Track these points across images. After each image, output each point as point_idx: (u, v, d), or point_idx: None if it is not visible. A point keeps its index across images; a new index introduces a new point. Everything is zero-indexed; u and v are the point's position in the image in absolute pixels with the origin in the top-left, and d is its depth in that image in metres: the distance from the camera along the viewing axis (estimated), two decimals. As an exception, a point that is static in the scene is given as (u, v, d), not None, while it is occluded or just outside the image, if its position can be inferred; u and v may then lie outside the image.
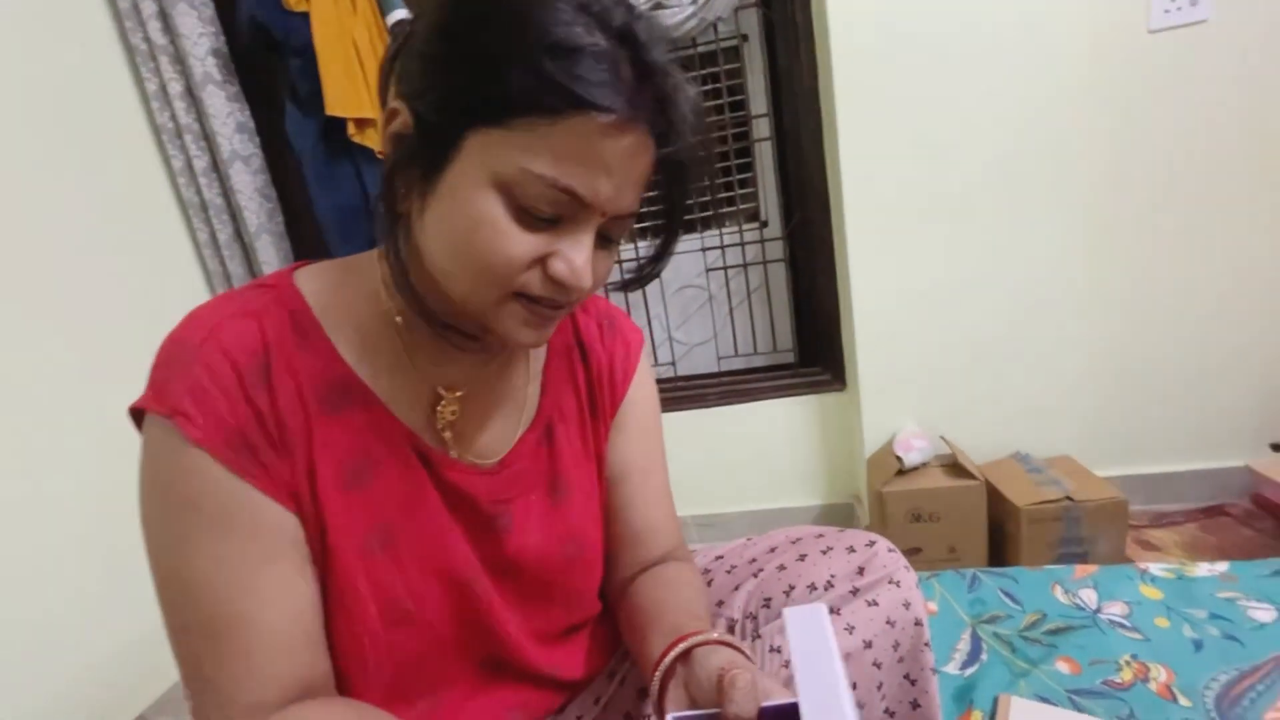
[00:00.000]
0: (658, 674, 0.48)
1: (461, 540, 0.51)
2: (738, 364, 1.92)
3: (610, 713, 0.62)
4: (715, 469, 1.82)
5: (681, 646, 0.47)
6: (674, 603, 0.55)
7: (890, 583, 0.58)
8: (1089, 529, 1.44)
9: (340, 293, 0.49)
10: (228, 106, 1.58)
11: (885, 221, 1.53)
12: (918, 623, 0.58)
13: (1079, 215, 1.48)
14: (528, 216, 0.41)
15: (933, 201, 1.50)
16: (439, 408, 0.50)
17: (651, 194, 0.48)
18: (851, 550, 0.61)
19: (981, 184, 1.48)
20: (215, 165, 1.60)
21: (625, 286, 0.53)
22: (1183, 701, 0.64)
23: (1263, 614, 0.71)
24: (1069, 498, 1.42)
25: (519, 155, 0.39)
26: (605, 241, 0.46)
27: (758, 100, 1.74)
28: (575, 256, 0.43)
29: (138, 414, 0.44)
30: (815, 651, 0.38)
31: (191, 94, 1.55)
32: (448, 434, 0.51)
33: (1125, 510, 1.43)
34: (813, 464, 1.82)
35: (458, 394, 0.51)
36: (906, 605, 0.58)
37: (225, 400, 0.42)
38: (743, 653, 0.48)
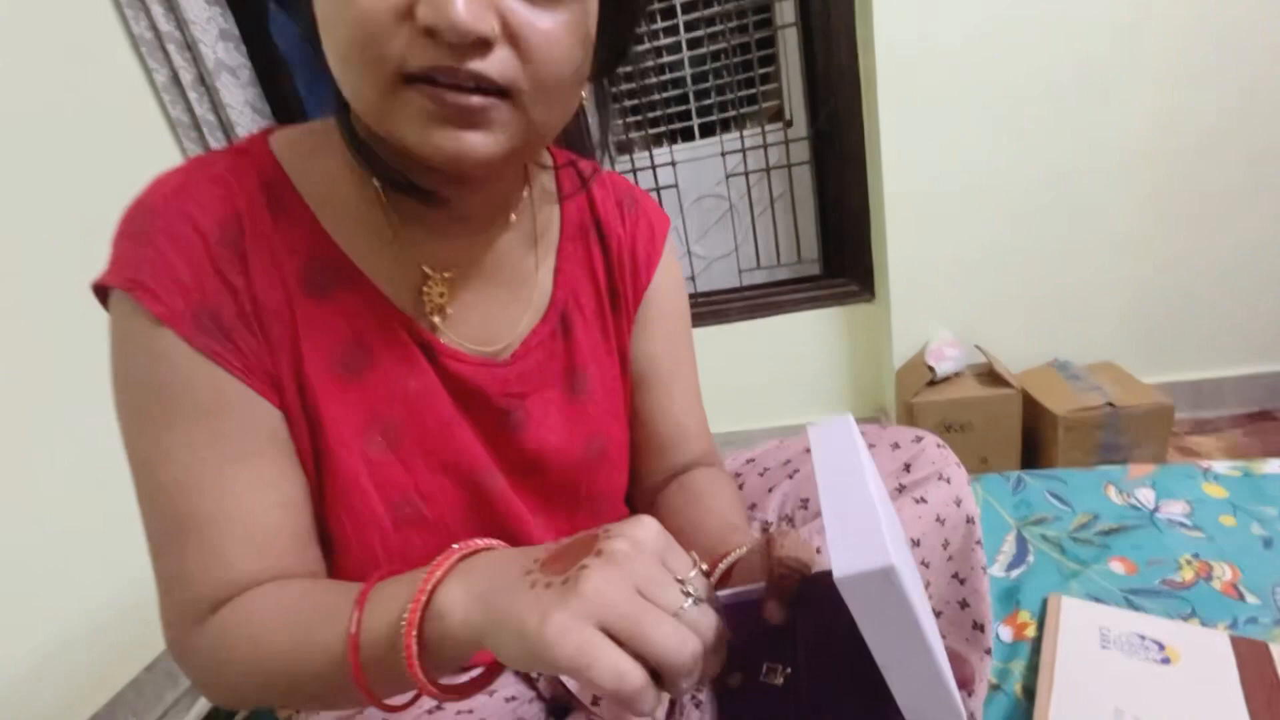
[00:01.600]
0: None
1: (472, 436, 0.47)
2: (760, 277, 1.84)
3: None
4: (739, 386, 1.78)
5: (722, 567, 0.43)
6: (709, 515, 0.51)
7: (940, 479, 0.54)
8: (1129, 436, 1.39)
9: (317, 156, 0.42)
10: (207, 10, 1.46)
11: (921, 115, 1.40)
12: (969, 520, 0.53)
13: (1123, 109, 1.35)
14: None
15: (972, 93, 1.37)
16: (425, 288, 0.44)
17: None
18: (896, 446, 0.56)
19: (1024, 75, 1.34)
20: (201, 78, 1.50)
21: (599, 72, 0.43)
22: (1250, 599, 0.60)
23: (1340, 509, 0.65)
24: (1110, 404, 1.36)
25: None
26: None
27: (781, -18, 1.58)
28: None
29: (102, 294, 0.39)
30: (844, 468, 0.32)
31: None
32: (436, 318, 0.45)
33: (1170, 415, 1.37)
34: (839, 378, 1.77)
35: (446, 274, 0.45)
36: (957, 502, 0.53)
37: (190, 272, 0.37)
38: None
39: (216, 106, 1.53)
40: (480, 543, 0.35)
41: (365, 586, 0.34)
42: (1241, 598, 0.60)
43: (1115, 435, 1.39)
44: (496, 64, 0.33)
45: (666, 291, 0.56)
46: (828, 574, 0.34)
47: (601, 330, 0.53)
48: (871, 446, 0.58)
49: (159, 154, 1.56)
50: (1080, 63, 1.33)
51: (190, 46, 1.47)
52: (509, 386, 0.48)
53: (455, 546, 0.34)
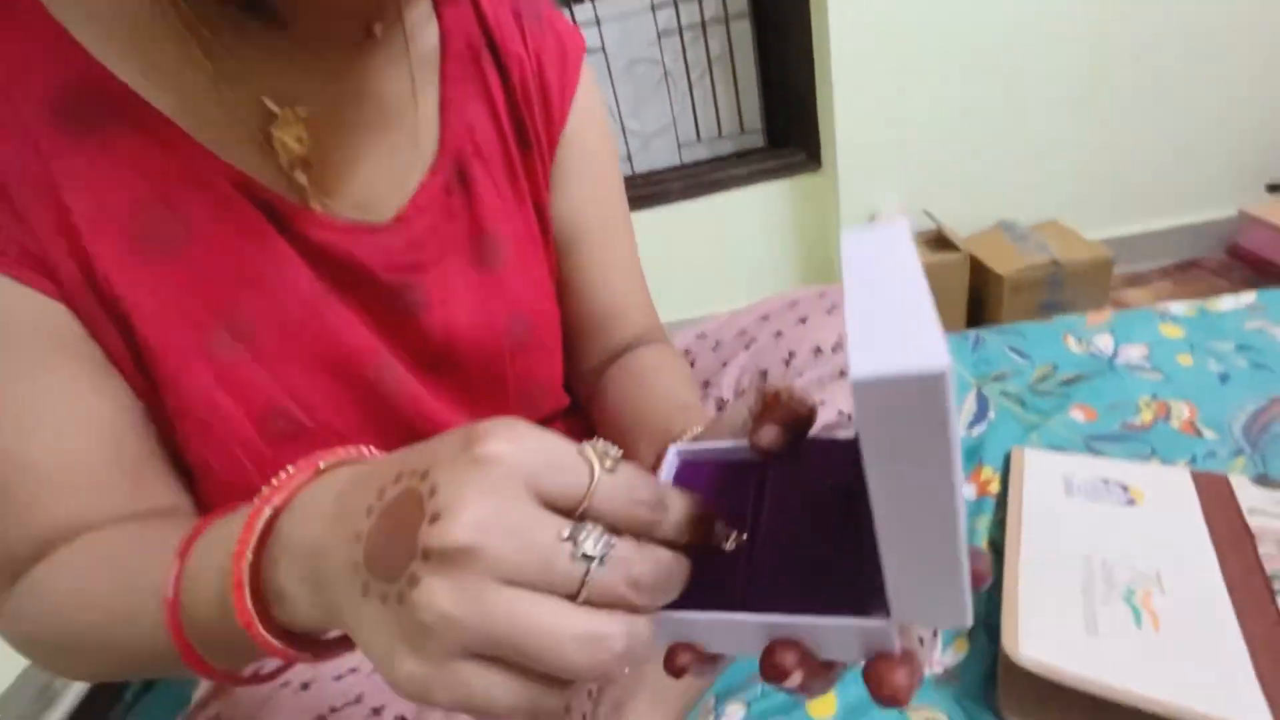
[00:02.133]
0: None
1: (353, 321, 0.37)
2: (701, 152, 1.72)
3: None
4: (681, 269, 1.70)
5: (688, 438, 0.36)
6: (655, 397, 0.44)
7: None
8: (1071, 292, 1.40)
9: None
10: None
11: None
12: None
13: None
14: None
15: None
16: (275, 131, 0.33)
17: None
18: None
19: None
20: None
21: None
22: (1208, 434, 0.59)
23: (1293, 339, 0.65)
24: (1054, 261, 1.36)
25: None
26: None
27: None
28: None
29: None
30: (886, 270, 0.19)
31: None
32: (301, 176, 0.34)
33: (1109, 268, 1.39)
34: (787, 254, 1.71)
35: (300, 112, 0.33)
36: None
37: None
38: None
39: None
40: (328, 455, 0.24)
41: (194, 527, 0.26)
42: (1199, 434, 0.60)
43: (1058, 292, 1.40)
44: None
45: (587, 126, 0.46)
46: (814, 439, 0.28)
47: (510, 180, 0.42)
48: (834, 307, 0.52)
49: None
50: None
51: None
52: (396, 257, 0.38)
53: (312, 456, 0.24)
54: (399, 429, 0.40)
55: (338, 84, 0.35)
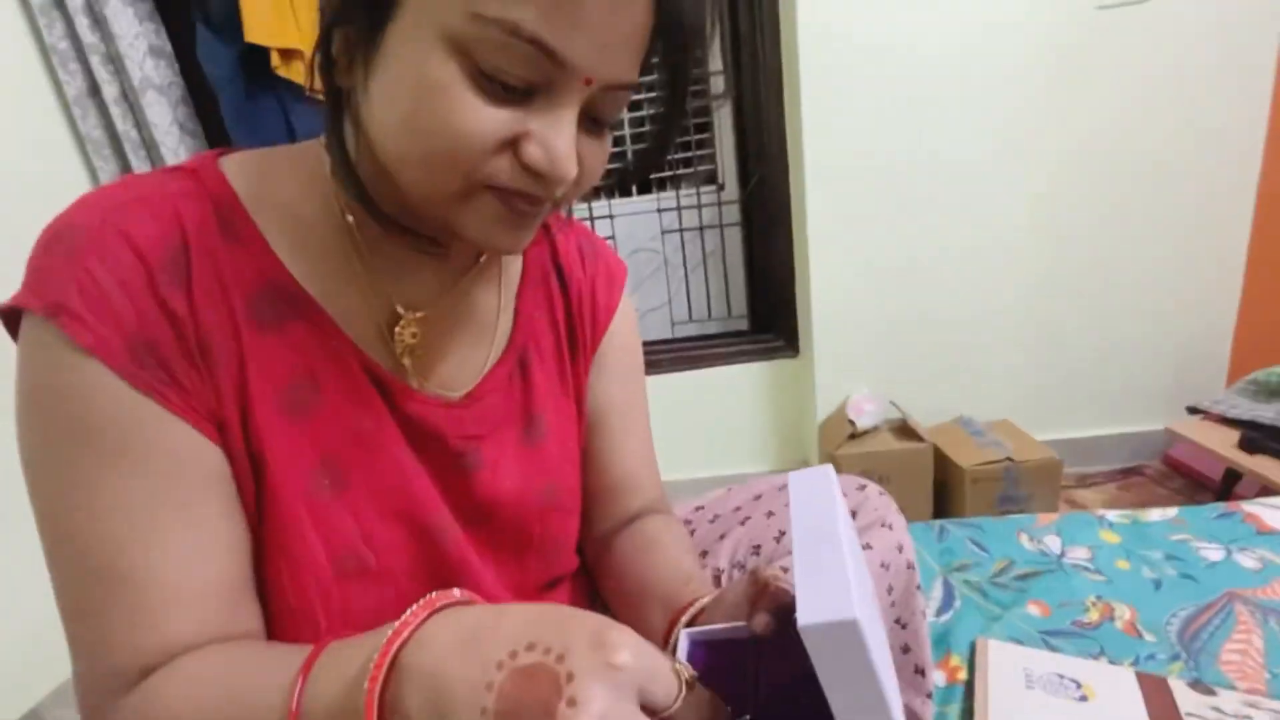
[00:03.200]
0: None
1: (426, 481, 0.45)
2: (692, 330, 1.90)
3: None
4: (667, 436, 1.77)
5: (683, 622, 0.43)
6: (664, 565, 0.50)
7: (883, 526, 0.56)
8: (1026, 487, 1.51)
9: (277, 184, 0.40)
10: (137, 27, 1.39)
11: (843, 189, 1.53)
12: (910, 566, 0.56)
13: (1027, 191, 1.54)
14: (492, 85, 0.33)
15: (893, 173, 1.52)
16: (397, 329, 0.43)
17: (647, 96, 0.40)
18: (843, 495, 0.58)
19: (939, 158, 1.51)
20: (124, 94, 1.41)
21: (622, 183, 0.46)
22: (1148, 637, 0.65)
23: (1212, 553, 0.74)
24: (1009, 458, 1.48)
25: None
26: (594, 124, 0.37)
27: (714, 58, 1.69)
28: (554, 139, 0.34)
29: (12, 318, 0.35)
30: (819, 519, 0.33)
31: (92, 10, 1.35)
32: (407, 360, 0.43)
33: (1059, 470, 1.51)
34: (765, 430, 1.82)
35: (419, 314, 0.44)
36: (899, 549, 0.56)
37: (127, 299, 0.34)
38: None
39: (140, 124, 1.43)
40: (444, 597, 0.31)
41: (312, 651, 0.31)
42: (1140, 636, 0.66)
43: (1013, 487, 1.50)
44: (563, 189, 0.36)
45: (623, 337, 0.57)
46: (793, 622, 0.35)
47: (559, 373, 0.53)
48: (818, 494, 0.60)
49: (61, 171, 1.44)
50: (974, 163, 1.51)
51: (113, 60, 1.39)
52: (465, 428, 0.46)
53: (430, 597, 0.30)
54: (442, 572, 0.45)
55: (448, 294, 0.46)
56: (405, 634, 0.28)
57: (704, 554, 0.60)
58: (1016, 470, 1.48)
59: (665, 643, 0.44)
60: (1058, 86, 1.46)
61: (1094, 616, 0.69)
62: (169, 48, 1.47)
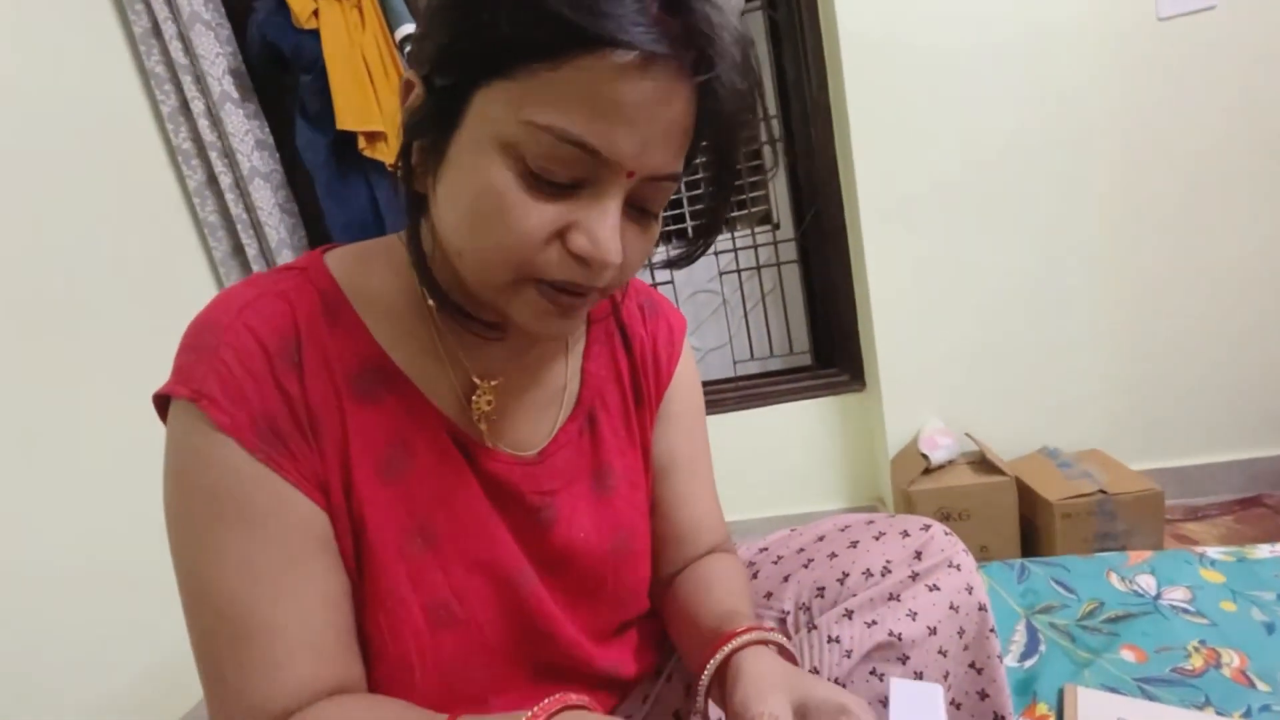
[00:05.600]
0: (703, 682, 0.47)
1: (506, 534, 0.49)
2: (754, 368, 1.90)
3: (659, 710, 0.59)
4: (735, 475, 1.77)
5: (721, 654, 0.45)
6: (710, 601, 0.52)
7: (950, 566, 0.56)
8: (1125, 523, 1.40)
9: (370, 274, 0.46)
10: (246, 124, 1.59)
11: (901, 217, 1.51)
12: (982, 608, 0.55)
13: (1097, 205, 1.47)
14: (541, 183, 0.36)
15: (949, 195, 1.49)
16: (475, 397, 0.48)
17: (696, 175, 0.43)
18: (906, 534, 0.58)
19: (998, 177, 1.47)
20: (236, 182, 1.61)
21: (671, 264, 0.50)
22: (1261, 687, 0.60)
23: (1333, 594, 0.68)
24: (1102, 491, 1.39)
25: (520, 108, 0.35)
26: (640, 214, 0.41)
27: (766, 101, 1.74)
28: (598, 227, 0.37)
29: (162, 402, 0.42)
30: None
31: (211, 113, 1.55)
32: (484, 425, 0.48)
33: (1161, 502, 1.40)
34: (834, 467, 1.79)
35: (494, 383, 0.49)
36: (969, 590, 0.55)
37: (253, 384, 0.39)
38: (785, 648, 0.47)
39: (249, 208, 1.62)
40: (564, 700, 0.35)
41: None
42: (1252, 685, 0.61)
43: (1110, 522, 1.40)
44: (608, 275, 0.39)
45: (684, 387, 0.60)
46: None
47: (626, 427, 0.56)
48: (881, 535, 0.60)
49: (182, 250, 1.63)
50: (1035, 179, 1.46)
51: (228, 155, 1.58)
52: (540, 484, 0.50)
53: (555, 698, 0.35)
54: (522, 619, 0.49)
55: (518, 361, 0.51)
56: None
57: (768, 595, 0.61)
58: (1112, 504, 1.39)
59: (703, 671, 0.46)
60: (1121, 96, 1.40)
61: (1197, 663, 0.64)
62: (271, 140, 1.66)
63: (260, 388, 0.40)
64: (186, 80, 1.51)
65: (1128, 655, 0.66)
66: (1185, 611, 0.70)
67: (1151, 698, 0.61)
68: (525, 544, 0.49)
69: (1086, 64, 1.40)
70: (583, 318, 0.44)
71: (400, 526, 0.44)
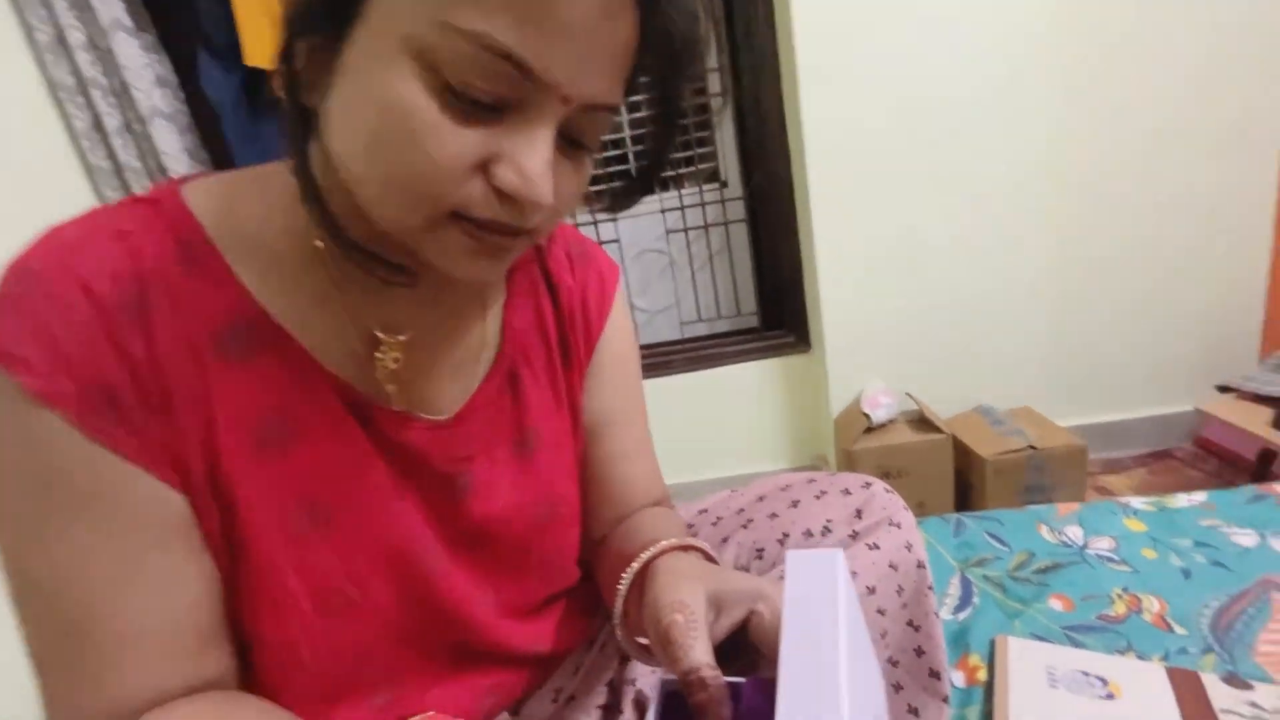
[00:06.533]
0: (619, 598, 0.44)
1: (414, 510, 0.43)
2: (701, 329, 1.88)
3: (592, 679, 0.56)
4: (680, 436, 1.77)
5: (638, 562, 0.43)
6: (645, 534, 0.49)
7: (891, 524, 0.54)
8: (1051, 476, 1.47)
9: (244, 210, 0.38)
10: (143, 57, 1.41)
11: (848, 179, 1.50)
12: (920, 565, 0.54)
13: (1036, 173, 1.50)
14: (461, 102, 0.30)
15: (896, 159, 1.49)
16: (378, 355, 0.41)
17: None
18: (847, 493, 0.57)
19: (945, 141, 1.47)
20: (129, 124, 1.44)
21: (611, 205, 0.44)
22: (1178, 630, 0.63)
23: (1245, 539, 0.71)
24: (1032, 446, 1.44)
25: (439, 5, 0.29)
26: (574, 147, 0.35)
27: (712, 55, 1.68)
28: (528, 160, 0.32)
29: None
30: (816, 608, 0.29)
31: (94, 44, 1.37)
32: (391, 387, 0.42)
33: (1085, 456, 1.46)
34: (779, 427, 1.80)
35: (401, 338, 0.42)
36: (909, 547, 0.54)
37: (79, 343, 0.32)
38: (709, 554, 0.45)
39: (145, 154, 1.46)
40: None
41: None
42: (1170, 629, 0.63)
43: (1038, 475, 1.46)
44: (539, 215, 0.35)
45: (617, 341, 0.56)
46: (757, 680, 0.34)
47: (552, 385, 0.51)
48: (822, 493, 0.58)
49: (75, 201, 1.47)
50: (980, 146, 1.47)
51: (119, 93, 1.41)
52: (454, 450, 0.45)
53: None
54: (429, 604, 0.44)
55: (429, 313, 0.44)
56: None
57: (707, 559, 0.59)
58: (1040, 458, 1.44)
59: (616, 590, 0.45)
60: (1068, 60, 1.41)
61: (1120, 610, 0.66)
62: (174, 77, 1.49)
63: (89, 348, 0.32)
64: (59, 8, 1.33)
65: (1056, 604, 0.68)
66: (1110, 560, 0.72)
67: (1078, 645, 0.63)
68: (436, 518, 0.45)
69: (1036, 27, 1.39)
70: (510, 262, 0.38)
71: (282, 506, 0.38)
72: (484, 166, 0.32)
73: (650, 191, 0.42)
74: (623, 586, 0.44)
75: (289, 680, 0.39)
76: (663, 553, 0.44)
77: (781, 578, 0.35)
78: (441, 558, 0.44)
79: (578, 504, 0.54)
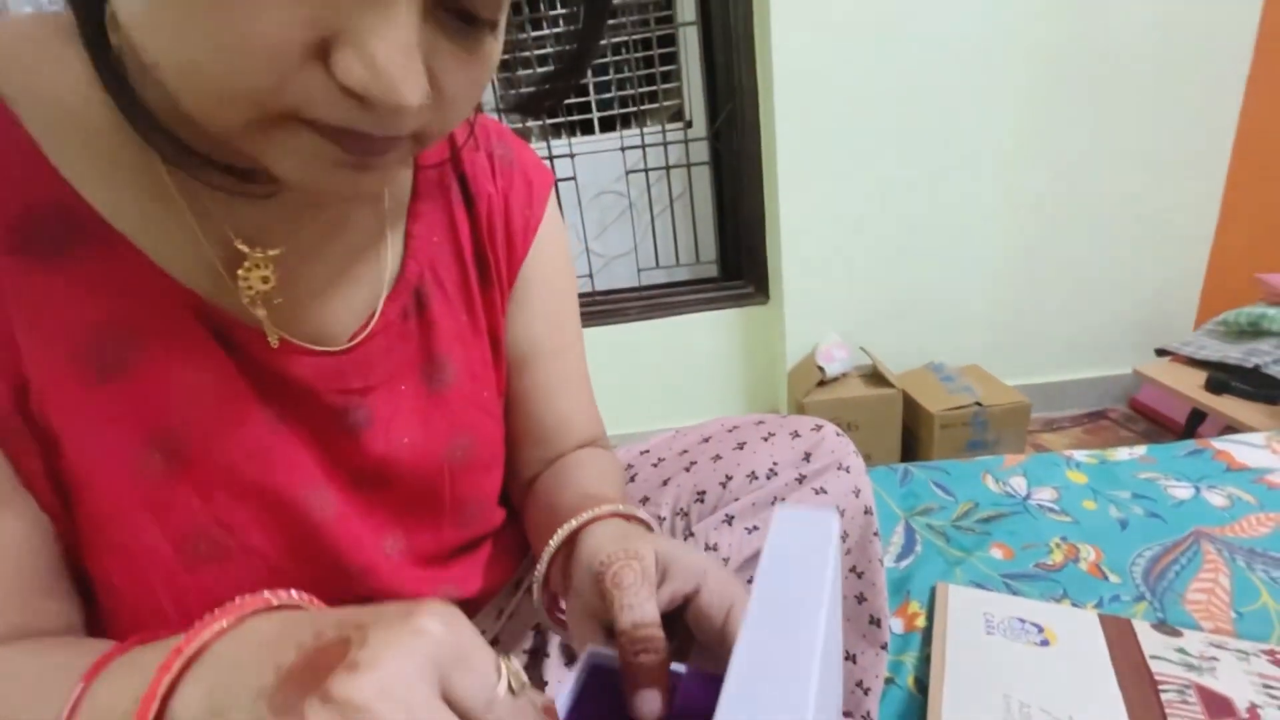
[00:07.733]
0: (541, 567, 0.39)
1: (297, 448, 0.37)
2: (659, 277, 1.83)
3: (516, 624, 0.53)
4: (634, 386, 1.75)
5: (569, 527, 0.38)
6: (577, 481, 0.45)
7: (840, 469, 0.52)
8: (994, 432, 1.50)
9: (53, 72, 0.29)
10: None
11: (816, 129, 1.46)
12: (867, 511, 0.52)
13: (998, 138, 1.49)
14: None
15: (863, 111, 1.45)
16: (240, 273, 0.33)
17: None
18: (796, 435, 0.54)
19: (910, 97, 1.44)
20: None
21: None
22: (1112, 578, 0.63)
23: (1181, 492, 0.72)
24: (978, 403, 1.47)
25: None
26: (465, 25, 0.26)
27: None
28: (379, 42, 0.23)
29: None
30: (798, 579, 0.24)
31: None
32: (261, 311, 0.34)
33: (1027, 414, 1.50)
34: (734, 378, 1.78)
35: (271, 252, 0.34)
36: (856, 493, 0.51)
37: None
38: (644, 523, 0.40)
39: None
40: (255, 603, 0.24)
41: (99, 656, 0.25)
42: (1105, 577, 0.63)
43: (982, 431, 1.49)
44: (414, 120, 0.26)
45: (547, 260, 0.48)
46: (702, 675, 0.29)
47: (467, 309, 0.44)
48: (770, 435, 0.55)
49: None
50: (948, 106, 1.45)
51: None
52: (346, 381, 0.38)
53: (237, 601, 0.24)
54: (320, 552, 0.38)
55: (310, 225, 0.36)
56: (189, 649, 0.22)
57: (644, 500, 0.55)
58: (984, 415, 1.47)
59: (540, 557, 0.39)
60: (1032, 20, 1.39)
61: (1058, 558, 0.66)
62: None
63: None
64: None
65: (996, 553, 0.67)
66: (1051, 510, 0.72)
67: (1015, 592, 0.63)
68: (327, 458, 0.38)
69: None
70: (392, 176, 0.30)
71: (127, 441, 0.31)
72: (323, 51, 0.23)
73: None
74: (548, 550, 0.39)
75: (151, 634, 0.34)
76: (597, 519, 0.38)
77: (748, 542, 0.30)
78: (332, 501, 0.38)
79: (499, 442, 0.48)
